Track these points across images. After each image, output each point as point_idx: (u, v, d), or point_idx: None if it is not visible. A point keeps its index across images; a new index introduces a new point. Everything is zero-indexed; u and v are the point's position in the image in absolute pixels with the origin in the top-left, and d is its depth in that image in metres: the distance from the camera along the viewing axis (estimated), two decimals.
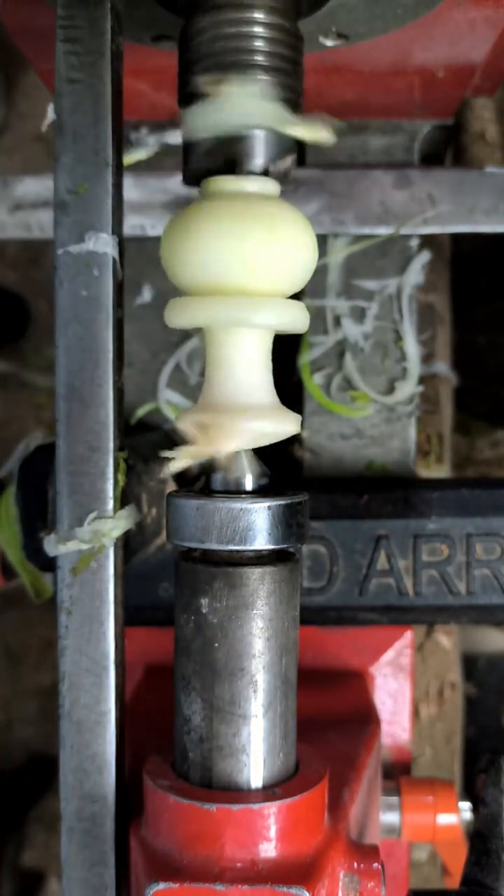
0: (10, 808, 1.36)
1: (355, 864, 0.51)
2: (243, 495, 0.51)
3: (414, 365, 0.82)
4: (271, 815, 0.49)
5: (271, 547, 0.50)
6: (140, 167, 0.77)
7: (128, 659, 0.56)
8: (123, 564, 0.55)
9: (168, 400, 0.84)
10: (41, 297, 1.42)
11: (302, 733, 0.54)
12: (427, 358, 0.89)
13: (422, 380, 0.84)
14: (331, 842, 0.51)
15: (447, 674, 0.97)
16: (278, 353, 0.54)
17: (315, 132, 0.52)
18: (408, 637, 0.81)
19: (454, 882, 0.71)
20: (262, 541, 0.49)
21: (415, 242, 0.83)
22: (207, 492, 0.52)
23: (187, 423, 0.51)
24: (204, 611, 0.50)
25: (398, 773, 0.79)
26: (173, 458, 0.51)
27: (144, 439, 0.77)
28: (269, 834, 0.49)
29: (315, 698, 0.70)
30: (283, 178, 0.53)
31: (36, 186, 0.81)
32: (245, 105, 0.50)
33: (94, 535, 0.53)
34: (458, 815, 0.72)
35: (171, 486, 0.73)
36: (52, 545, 0.53)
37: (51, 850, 1.31)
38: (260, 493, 0.51)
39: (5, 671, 1.46)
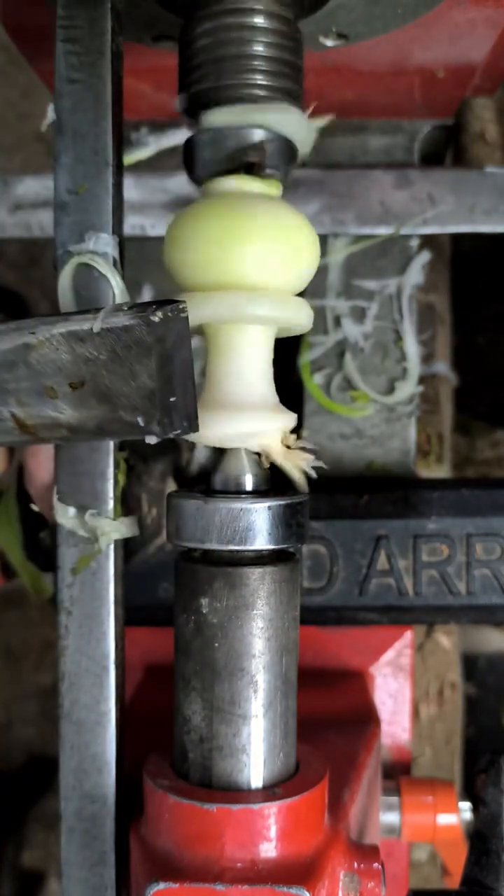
0: (10, 808, 1.36)
1: (355, 864, 0.51)
2: (243, 495, 0.51)
3: (414, 365, 0.82)
4: (271, 815, 0.49)
5: (271, 547, 0.50)
6: (140, 167, 0.77)
7: (128, 659, 0.56)
8: (123, 564, 0.55)
9: None
10: (41, 297, 1.42)
11: (302, 733, 0.54)
12: (427, 358, 0.89)
13: (422, 380, 0.84)
14: (331, 842, 0.51)
15: (447, 674, 0.97)
16: (278, 353, 0.54)
17: (312, 133, 0.52)
18: (408, 637, 0.81)
19: (454, 882, 0.71)
20: (262, 541, 0.49)
21: (415, 242, 0.83)
22: (207, 492, 0.52)
23: None
24: (204, 611, 0.50)
25: (398, 773, 0.79)
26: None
27: None
28: (269, 834, 0.49)
29: (315, 698, 0.70)
30: (283, 178, 0.53)
31: (36, 186, 0.81)
32: (247, 107, 0.51)
33: (93, 532, 0.53)
34: (458, 815, 0.72)
35: (171, 486, 0.73)
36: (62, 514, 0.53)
37: (51, 850, 1.31)
38: (260, 493, 0.51)
39: (5, 671, 1.46)
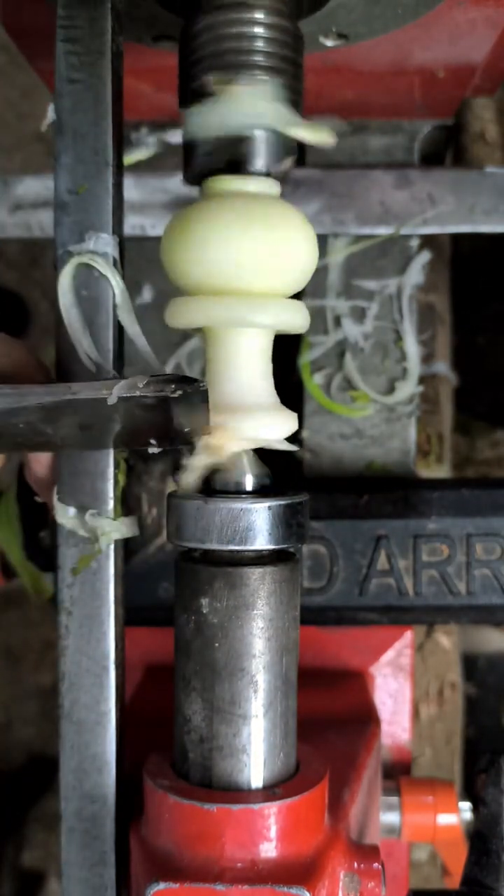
0: (10, 808, 1.36)
1: (355, 864, 0.51)
2: (243, 495, 0.51)
3: (414, 365, 0.82)
4: (271, 815, 0.49)
5: (272, 547, 0.50)
6: (140, 167, 0.77)
7: (128, 659, 0.56)
8: (123, 564, 0.55)
9: None
10: (41, 297, 1.42)
11: (302, 733, 0.54)
12: (427, 358, 0.89)
13: (422, 380, 0.84)
14: (331, 842, 0.51)
15: (447, 674, 0.97)
16: (278, 353, 0.54)
17: (316, 133, 0.52)
18: (408, 637, 0.81)
19: (454, 882, 0.71)
20: (262, 541, 0.49)
21: (415, 242, 0.83)
22: (208, 492, 0.52)
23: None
24: (204, 611, 0.50)
25: (398, 773, 0.79)
26: (182, 473, 0.51)
27: None
28: (269, 834, 0.49)
29: (315, 698, 0.70)
30: (283, 178, 0.53)
31: (36, 186, 0.81)
32: (245, 105, 0.50)
33: (93, 532, 0.53)
34: (458, 815, 0.72)
35: (172, 486, 0.73)
36: (62, 513, 0.53)
37: (51, 850, 1.31)
38: (260, 493, 0.51)
39: (5, 671, 1.46)
